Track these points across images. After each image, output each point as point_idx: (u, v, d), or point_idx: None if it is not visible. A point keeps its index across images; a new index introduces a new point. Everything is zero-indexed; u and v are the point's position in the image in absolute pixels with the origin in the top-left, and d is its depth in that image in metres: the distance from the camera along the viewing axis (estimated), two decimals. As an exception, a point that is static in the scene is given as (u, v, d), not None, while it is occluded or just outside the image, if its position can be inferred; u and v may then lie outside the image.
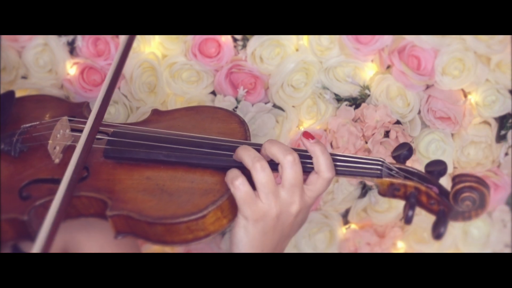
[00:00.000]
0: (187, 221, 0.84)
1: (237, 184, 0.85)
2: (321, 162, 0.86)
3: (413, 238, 1.41)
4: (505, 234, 1.43)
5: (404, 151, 0.90)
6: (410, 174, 0.88)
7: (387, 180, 0.87)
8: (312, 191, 0.87)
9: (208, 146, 0.91)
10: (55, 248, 0.94)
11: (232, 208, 0.87)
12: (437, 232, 0.86)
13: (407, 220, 0.86)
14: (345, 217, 1.39)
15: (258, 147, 0.90)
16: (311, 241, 1.39)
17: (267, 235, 0.87)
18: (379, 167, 0.88)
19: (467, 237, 1.43)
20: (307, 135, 0.88)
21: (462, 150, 1.33)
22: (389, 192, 0.88)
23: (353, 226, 1.40)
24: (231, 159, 0.89)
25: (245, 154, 0.86)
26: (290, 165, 0.85)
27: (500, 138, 1.33)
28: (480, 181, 0.85)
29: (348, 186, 1.34)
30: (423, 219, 1.39)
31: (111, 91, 0.94)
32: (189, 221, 0.84)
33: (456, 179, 0.86)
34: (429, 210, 0.88)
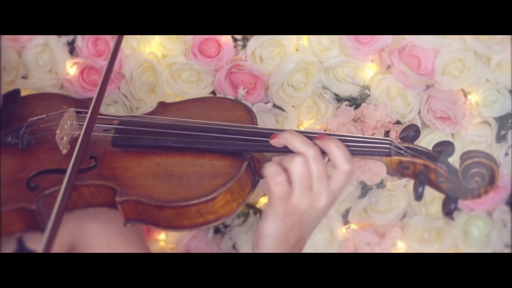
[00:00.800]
0: (197, 204, 0.84)
1: (279, 180, 0.85)
2: (337, 155, 0.86)
3: (413, 238, 1.41)
4: (505, 234, 1.43)
5: (411, 132, 0.90)
6: (419, 152, 0.89)
7: (396, 158, 0.87)
8: (335, 186, 0.87)
9: (216, 130, 0.91)
10: (62, 243, 0.95)
11: (241, 192, 0.87)
12: (447, 209, 0.86)
13: (418, 196, 0.86)
14: (345, 217, 1.39)
15: (271, 131, 0.90)
16: (311, 241, 1.39)
17: (294, 228, 0.87)
18: (388, 145, 0.88)
19: (467, 237, 1.43)
20: (319, 137, 0.88)
21: (462, 150, 1.32)
22: (398, 171, 0.88)
23: (353, 226, 1.40)
24: (239, 143, 0.89)
25: (297, 140, 0.86)
26: (313, 159, 0.85)
27: (500, 138, 1.33)
28: (488, 156, 0.85)
29: (348, 186, 1.34)
30: (423, 219, 1.39)
31: (109, 75, 0.95)
32: (199, 203, 0.84)
33: (464, 156, 0.86)
34: (438, 188, 0.88)
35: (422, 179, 0.86)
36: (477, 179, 0.85)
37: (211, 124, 0.92)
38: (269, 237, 0.86)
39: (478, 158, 0.85)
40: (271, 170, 0.85)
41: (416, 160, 0.87)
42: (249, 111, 0.97)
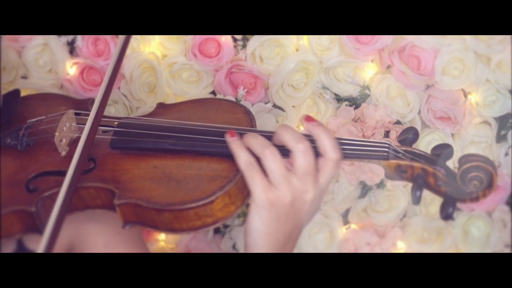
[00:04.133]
0: (195, 207, 0.84)
1: (250, 166, 0.85)
2: (325, 143, 0.86)
3: (413, 238, 1.41)
4: (505, 234, 1.43)
5: (409, 135, 0.90)
6: (417, 156, 0.88)
7: (394, 162, 0.87)
8: (323, 177, 0.87)
9: (214, 133, 0.91)
10: (61, 243, 0.95)
11: (240, 195, 0.87)
12: (445, 213, 0.86)
13: (415, 200, 0.86)
14: (345, 217, 1.39)
15: (267, 134, 0.90)
16: (311, 241, 1.39)
17: (281, 221, 0.86)
18: (386, 149, 0.88)
19: (467, 237, 1.43)
20: (308, 118, 0.88)
21: (462, 150, 1.33)
22: (396, 174, 0.88)
23: (353, 226, 1.40)
24: None
25: (253, 142, 0.87)
26: (301, 153, 0.85)
27: (500, 138, 1.33)
28: (486, 160, 0.85)
29: (348, 186, 1.34)
30: (423, 219, 1.39)
31: (114, 79, 0.94)
32: (197, 207, 0.84)
33: (462, 159, 0.86)
34: (437, 191, 0.88)
35: (420, 183, 0.86)
36: (476, 183, 0.85)
37: (209, 127, 0.92)
38: (256, 231, 0.86)
39: (476, 162, 0.85)
40: (241, 158, 0.86)
41: (414, 164, 0.87)
42: (248, 113, 0.97)
